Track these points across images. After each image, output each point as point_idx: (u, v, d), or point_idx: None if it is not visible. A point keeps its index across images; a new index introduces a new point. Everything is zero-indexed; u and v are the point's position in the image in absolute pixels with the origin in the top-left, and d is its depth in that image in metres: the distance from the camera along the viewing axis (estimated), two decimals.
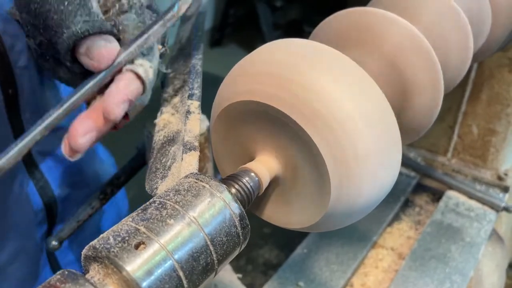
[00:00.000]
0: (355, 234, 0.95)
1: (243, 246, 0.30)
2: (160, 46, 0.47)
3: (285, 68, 0.33)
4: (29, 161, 0.64)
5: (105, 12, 0.43)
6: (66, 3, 0.40)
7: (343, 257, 0.89)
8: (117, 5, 0.43)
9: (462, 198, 1.02)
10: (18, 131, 0.59)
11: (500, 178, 1.03)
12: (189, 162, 0.37)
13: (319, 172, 0.33)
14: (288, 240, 1.00)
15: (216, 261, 0.28)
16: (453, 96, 0.99)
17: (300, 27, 4.23)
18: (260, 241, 1.29)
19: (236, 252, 0.30)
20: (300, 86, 0.32)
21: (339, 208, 0.33)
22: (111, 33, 0.41)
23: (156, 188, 0.37)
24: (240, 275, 0.77)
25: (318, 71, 0.33)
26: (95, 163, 0.80)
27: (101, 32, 0.40)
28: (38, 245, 0.70)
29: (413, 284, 0.84)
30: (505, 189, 1.02)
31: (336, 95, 0.32)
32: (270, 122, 0.34)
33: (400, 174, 1.10)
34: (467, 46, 0.53)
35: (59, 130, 0.66)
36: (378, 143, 0.33)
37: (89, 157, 0.76)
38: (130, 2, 0.43)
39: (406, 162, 1.09)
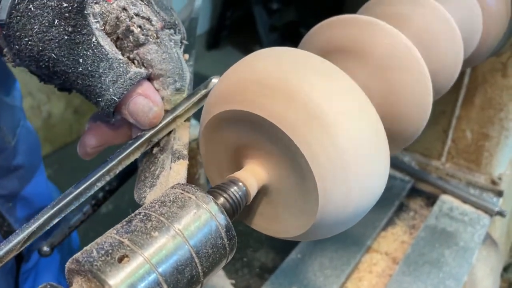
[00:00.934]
0: (349, 239, 0.95)
1: (230, 257, 0.30)
2: (186, 56, 0.47)
3: (271, 77, 0.33)
4: None
5: (116, 40, 0.40)
6: (90, 77, 0.38)
7: (337, 262, 0.89)
8: (130, 37, 0.39)
9: (456, 202, 1.02)
10: None
11: (494, 182, 1.03)
12: (177, 171, 0.37)
13: (306, 181, 0.33)
14: (284, 243, 1.00)
15: (201, 273, 0.28)
16: (447, 101, 1.00)
17: (296, 30, 4.23)
18: (256, 244, 1.29)
19: (223, 264, 0.30)
20: (286, 95, 0.32)
21: (327, 218, 0.33)
22: (141, 76, 0.39)
23: (145, 197, 0.37)
24: (233, 281, 0.77)
25: (304, 80, 0.33)
26: (49, 199, 0.79)
27: (133, 83, 0.39)
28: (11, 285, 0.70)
29: None
30: (499, 194, 1.02)
31: (322, 104, 0.32)
32: (257, 131, 0.34)
33: (395, 178, 1.11)
34: (457, 53, 0.53)
35: (16, 171, 0.67)
36: (365, 151, 0.33)
37: (43, 194, 0.76)
38: (144, 32, 0.40)
39: (400, 166, 1.10)
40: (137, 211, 0.28)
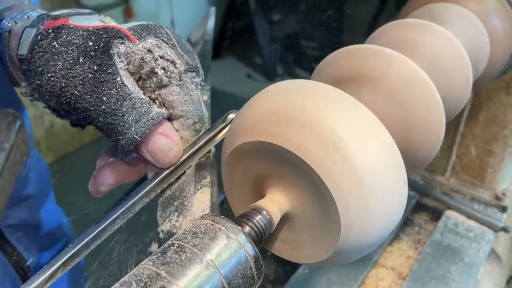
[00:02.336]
0: None
1: (257, 286, 0.31)
2: (205, 97, 0.47)
3: (293, 109, 0.34)
4: (1, 238, 0.63)
5: (138, 79, 0.41)
6: (113, 115, 0.38)
7: (345, 278, 0.90)
8: (154, 78, 0.40)
9: (461, 218, 1.03)
10: None
11: (498, 198, 1.05)
12: (201, 199, 0.38)
13: (329, 209, 0.34)
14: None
15: None
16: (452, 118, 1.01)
17: (296, 40, 4.27)
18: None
19: None
20: (308, 127, 0.33)
21: (349, 245, 0.35)
22: (162, 117, 0.40)
23: (169, 222, 0.38)
24: None
25: (324, 112, 0.34)
26: (57, 224, 0.79)
27: (154, 123, 0.39)
28: None
29: None
30: (503, 209, 1.03)
31: (343, 136, 0.33)
32: (280, 161, 0.35)
33: None
34: (467, 77, 0.54)
35: (26, 200, 0.67)
36: (385, 179, 0.34)
37: (52, 220, 0.77)
38: (168, 74, 0.41)
39: None
40: (170, 242, 0.30)
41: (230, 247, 0.30)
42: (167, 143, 0.40)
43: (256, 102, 0.37)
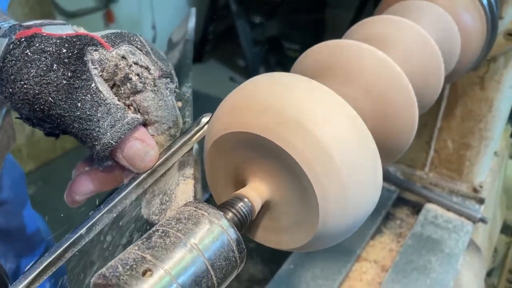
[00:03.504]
0: (339, 248, 0.98)
1: (240, 269, 0.32)
2: (179, 103, 0.48)
3: (272, 101, 0.36)
4: None
5: (112, 86, 0.41)
6: (88, 121, 0.38)
7: (328, 272, 0.92)
8: (128, 84, 0.41)
9: (440, 210, 1.06)
10: None
11: (475, 190, 1.08)
12: (185, 190, 0.39)
13: (307, 196, 0.35)
14: (273, 254, 1.02)
15: (216, 284, 0.30)
16: (429, 113, 1.04)
17: (279, 43, 4.30)
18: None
19: (234, 275, 0.32)
20: (286, 117, 0.35)
21: (327, 230, 0.36)
22: (138, 122, 0.40)
23: (154, 213, 0.39)
24: None
25: (302, 104, 0.35)
26: (34, 230, 0.79)
27: (130, 128, 0.39)
28: None
29: None
30: (481, 201, 1.06)
31: (319, 125, 0.35)
32: (260, 150, 0.36)
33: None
34: (438, 70, 0.57)
35: (2, 206, 0.66)
36: (360, 165, 0.36)
37: (28, 226, 0.76)
38: (142, 80, 0.41)
39: (386, 176, 1.13)
40: (154, 228, 0.31)
41: (213, 231, 0.31)
42: (143, 147, 0.40)
43: (234, 96, 0.39)
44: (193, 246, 0.29)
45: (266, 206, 0.39)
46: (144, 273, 0.27)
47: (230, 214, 0.34)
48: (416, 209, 1.11)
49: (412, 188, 1.11)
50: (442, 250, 0.96)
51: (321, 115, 0.35)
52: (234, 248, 0.31)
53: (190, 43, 0.70)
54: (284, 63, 4.27)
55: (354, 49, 0.47)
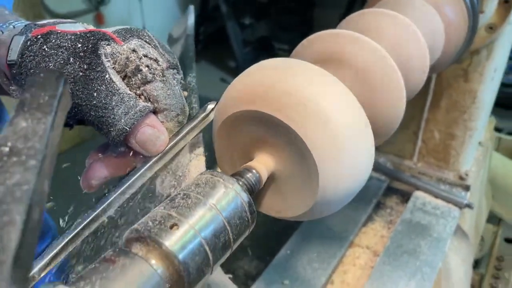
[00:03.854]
0: (333, 235, 1.02)
1: (251, 228, 0.36)
2: (185, 92, 0.50)
3: (277, 82, 0.40)
4: None
5: (124, 78, 0.43)
6: (104, 109, 0.40)
7: (324, 256, 0.96)
8: (138, 75, 0.43)
9: (428, 198, 1.11)
10: None
11: (461, 178, 1.13)
12: (197, 165, 0.43)
13: (308, 165, 0.40)
14: (267, 251, 1.05)
15: (232, 240, 0.34)
16: (416, 105, 1.09)
17: (269, 43, 4.35)
18: (239, 253, 1.34)
19: (246, 233, 0.36)
20: (290, 96, 0.39)
21: (326, 195, 0.40)
22: (149, 110, 0.43)
23: (169, 188, 0.43)
24: (230, 275, 0.83)
25: (303, 84, 0.40)
26: (44, 217, 0.82)
27: (142, 115, 0.42)
28: None
29: (388, 277, 0.91)
30: (467, 188, 1.11)
31: (319, 103, 0.39)
32: (266, 127, 0.41)
33: (371, 178, 1.19)
34: (424, 60, 0.61)
35: None
36: (354, 137, 0.40)
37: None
38: (152, 71, 0.44)
39: (376, 167, 1.18)
40: (176, 193, 0.35)
41: (228, 194, 0.35)
42: (154, 132, 0.43)
43: (243, 78, 0.43)
44: (212, 206, 0.33)
45: (271, 178, 0.43)
46: (171, 227, 0.31)
47: (240, 183, 0.38)
48: (405, 197, 1.16)
49: (401, 177, 1.16)
50: (431, 234, 1.01)
51: (319, 93, 0.39)
52: (247, 209, 0.35)
53: (191, 38, 0.74)
54: None
55: (348, 38, 0.51)
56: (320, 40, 0.51)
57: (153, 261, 0.30)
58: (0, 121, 0.69)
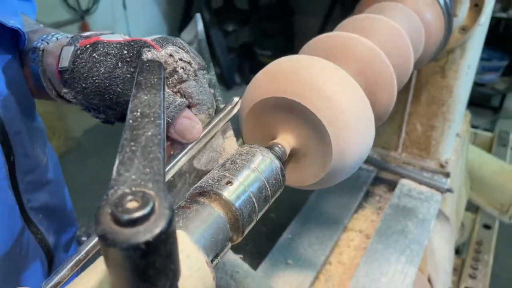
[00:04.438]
0: (329, 220, 1.12)
1: (282, 188, 0.46)
2: (211, 90, 0.57)
3: (299, 75, 0.50)
4: (27, 218, 0.69)
5: None
6: None
7: (322, 239, 1.06)
8: (175, 76, 0.49)
9: (413, 184, 1.22)
10: (16, 193, 0.65)
11: (442, 166, 1.24)
12: (230, 143, 0.52)
13: (324, 141, 0.49)
14: (260, 249, 1.13)
15: (270, 195, 0.43)
16: (400, 100, 1.20)
17: (251, 49, 4.46)
18: (233, 252, 1.42)
19: (279, 192, 0.45)
20: (311, 86, 0.49)
21: (338, 164, 0.50)
22: (185, 104, 0.49)
23: (205, 163, 0.52)
24: (241, 256, 0.91)
25: (319, 75, 0.49)
26: (70, 209, 0.88)
27: (180, 109, 0.48)
28: None
29: (380, 255, 1.01)
30: (447, 175, 1.23)
31: (331, 88, 0.49)
32: (289, 110, 0.50)
33: (361, 169, 1.30)
34: (409, 56, 0.72)
35: (46, 185, 0.75)
36: (360, 117, 0.50)
37: (66, 205, 0.85)
38: (186, 72, 0.50)
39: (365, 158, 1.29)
40: (225, 160, 0.44)
41: (265, 160, 0.44)
42: (191, 123, 0.51)
43: (267, 71, 0.52)
44: (254, 168, 0.43)
45: (291, 154, 0.53)
46: (227, 183, 0.40)
47: (272, 152, 0.47)
48: (392, 186, 1.26)
49: (388, 167, 1.27)
50: (417, 216, 1.11)
51: (333, 83, 0.49)
52: (279, 172, 0.45)
53: (204, 42, 0.83)
54: (258, 69, 4.43)
55: (345, 38, 0.62)
56: (326, 40, 0.61)
57: (216, 208, 0.39)
58: (33, 119, 0.77)
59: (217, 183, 0.40)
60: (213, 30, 4.09)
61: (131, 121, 0.29)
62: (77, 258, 0.41)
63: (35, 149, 0.71)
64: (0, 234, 0.61)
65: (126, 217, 0.23)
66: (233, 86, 4.30)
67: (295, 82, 0.49)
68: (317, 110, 0.48)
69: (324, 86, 0.49)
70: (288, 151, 0.50)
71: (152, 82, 0.31)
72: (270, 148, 0.49)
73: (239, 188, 0.41)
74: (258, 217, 0.42)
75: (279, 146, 0.50)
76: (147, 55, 0.50)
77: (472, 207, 1.81)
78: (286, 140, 0.51)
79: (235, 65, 4.38)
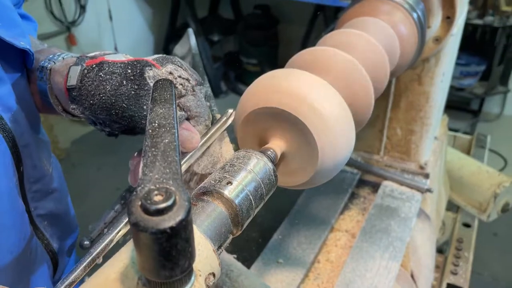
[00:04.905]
0: (317, 221, 1.18)
1: (274, 188, 0.52)
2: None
3: (288, 86, 0.56)
4: (34, 225, 0.73)
5: None
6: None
7: (311, 238, 1.12)
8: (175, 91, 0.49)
9: (395, 185, 1.29)
10: (24, 201, 0.69)
11: (421, 167, 1.31)
12: (227, 148, 0.58)
13: (310, 146, 0.56)
14: (249, 253, 1.19)
15: (265, 194, 0.49)
16: (380, 106, 1.27)
17: (237, 58, 4.53)
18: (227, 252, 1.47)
19: (272, 191, 0.51)
20: (297, 96, 0.55)
21: (323, 165, 0.56)
22: (184, 117, 0.53)
23: (206, 167, 0.58)
24: (235, 255, 0.97)
25: (304, 86, 0.56)
26: (72, 215, 0.93)
27: (180, 121, 0.51)
28: None
29: (365, 252, 1.08)
30: (426, 176, 1.30)
31: (316, 99, 0.55)
32: (279, 118, 0.56)
33: (346, 171, 1.36)
34: (385, 67, 0.79)
35: (52, 194, 0.80)
36: (342, 123, 0.56)
37: (69, 212, 0.90)
38: (185, 88, 0.54)
39: (349, 162, 1.35)
40: (224, 163, 0.50)
41: (260, 163, 0.50)
42: (190, 134, 0.55)
43: (259, 83, 0.59)
44: (251, 170, 0.49)
45: (281, 157, 0.59)
46: (227, 184, 0.46)
47: (266, 155, 0.54)
48: (376, 188, 1.33)
49: (371, 170, 1.34)
50: (399, 215, 1.18)
51: (318, 94, 0.56)
52: (272, 173, 0.51)
53: (198, 56, 0.88)
54: (243, 77, 4.50)
55: (329, 52, 0.68)
56: (309, 54, 0.68)
57: (219, 205, 0.45)
58: (39, 132, 0.81)
59: (218, 183, 0.46)
60: (199, 39, 4.15)
61: (150, 130, 0.34)
62: (89, 258, 0.46)
63: (41, 160, 0.76)
64: (13, 239, 0.66)
65: (154, 207, 0.29)
66: (219, 95, 4.36)
67: (285, 93, 0.55)
68: (304, 118, 0.54)
69: (310, 96, 0.55)
70: (279, 154, 0.57)
71: (166, 97, 0.37)
72: (263, 152, 0.55)
73: (238, 187, 0.46)
74: (255, 212, 0.48)
75: (271, 150, 0.56)
76: (149, 73, 0.55)
77: (453, 207, 1.89)
78: (277, 145, 0.57)
79: (221, 74, 4.44)
